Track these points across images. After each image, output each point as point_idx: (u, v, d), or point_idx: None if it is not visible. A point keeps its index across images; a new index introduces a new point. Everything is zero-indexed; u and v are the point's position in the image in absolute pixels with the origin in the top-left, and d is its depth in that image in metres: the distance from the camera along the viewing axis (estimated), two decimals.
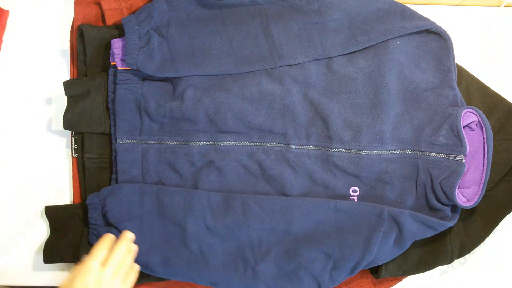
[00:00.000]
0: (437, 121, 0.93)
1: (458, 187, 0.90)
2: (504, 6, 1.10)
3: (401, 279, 1.01)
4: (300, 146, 0.94)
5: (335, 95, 0.94)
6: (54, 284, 1.00)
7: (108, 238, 0.83)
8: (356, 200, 0.93)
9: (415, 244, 0.93)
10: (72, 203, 0.98)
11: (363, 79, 0.94)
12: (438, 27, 0.95)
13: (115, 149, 0.94)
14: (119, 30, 0.97)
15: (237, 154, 0.94)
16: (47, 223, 0.97)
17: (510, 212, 0.95)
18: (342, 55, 0.95)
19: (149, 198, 0.91)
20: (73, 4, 0.98)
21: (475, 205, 0.90)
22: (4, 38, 1.02)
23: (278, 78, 0.94)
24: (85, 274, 0.77)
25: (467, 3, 1.10)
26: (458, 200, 0.89)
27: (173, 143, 0.94)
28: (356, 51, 0.95)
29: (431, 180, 0.91)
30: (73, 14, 0.98)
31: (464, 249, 0.95)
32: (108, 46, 0.95)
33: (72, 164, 0.98)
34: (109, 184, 0.96)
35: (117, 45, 0.93)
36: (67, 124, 0.93)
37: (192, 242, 0.90)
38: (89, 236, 0.92)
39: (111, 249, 0.82)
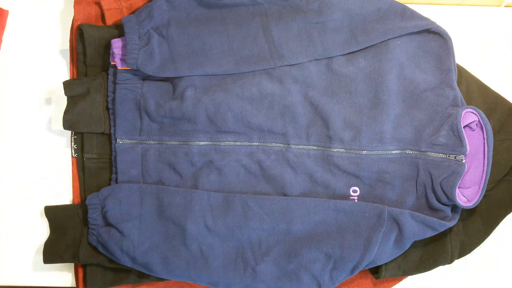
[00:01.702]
0: (437, 121, 0.93)
1: (458, 187, 0.90)
2: (504, 6, 1.10)
3: (401, 279, 1.01)
4: (300, 146, 0.94)
5: (335, 95, 0.94)
6: (54, 284, 0.99)
7: None
8: (356, 200, 0.93)
9: (415, 244, 0.93)
10: (72, 203, 0.98)
11: (363, 79, 0.94)
12: (438, 27, 0.95)
13: (115, 149, 0.94)
14: (119, 30, 0.97)
15: (237, 154, 0.94)
16: (47, 223, 0.97)
17: (510, 212, 0.95)
18: (342, 55, 0.95)
19: (149, 198, 0.91)
20: (73, 4, 0.98)
21: (475, 205, 0.90)
22: (4, 38, 1.01)
23: (278, 78, 0.94)
24: None
25: (467, 3, 1.10)
26: (458, 200, 0.89)
27: (173, 143, 0.94)
28: (356, 51, 0.95)
29: (431, 180, 0.91)
30: (73, 14, 0.98)
31: (464, 249, 0.95)
32: (108, 46, 0.95)
33: (72, 164, 0.98)
34: (109, 184, 0.96)
35: (117, 45, 0.93)
36: (67, 124, 0.93)
37: (192, 242, 0.90)
38: (89, 236, 0.92)
39: None
